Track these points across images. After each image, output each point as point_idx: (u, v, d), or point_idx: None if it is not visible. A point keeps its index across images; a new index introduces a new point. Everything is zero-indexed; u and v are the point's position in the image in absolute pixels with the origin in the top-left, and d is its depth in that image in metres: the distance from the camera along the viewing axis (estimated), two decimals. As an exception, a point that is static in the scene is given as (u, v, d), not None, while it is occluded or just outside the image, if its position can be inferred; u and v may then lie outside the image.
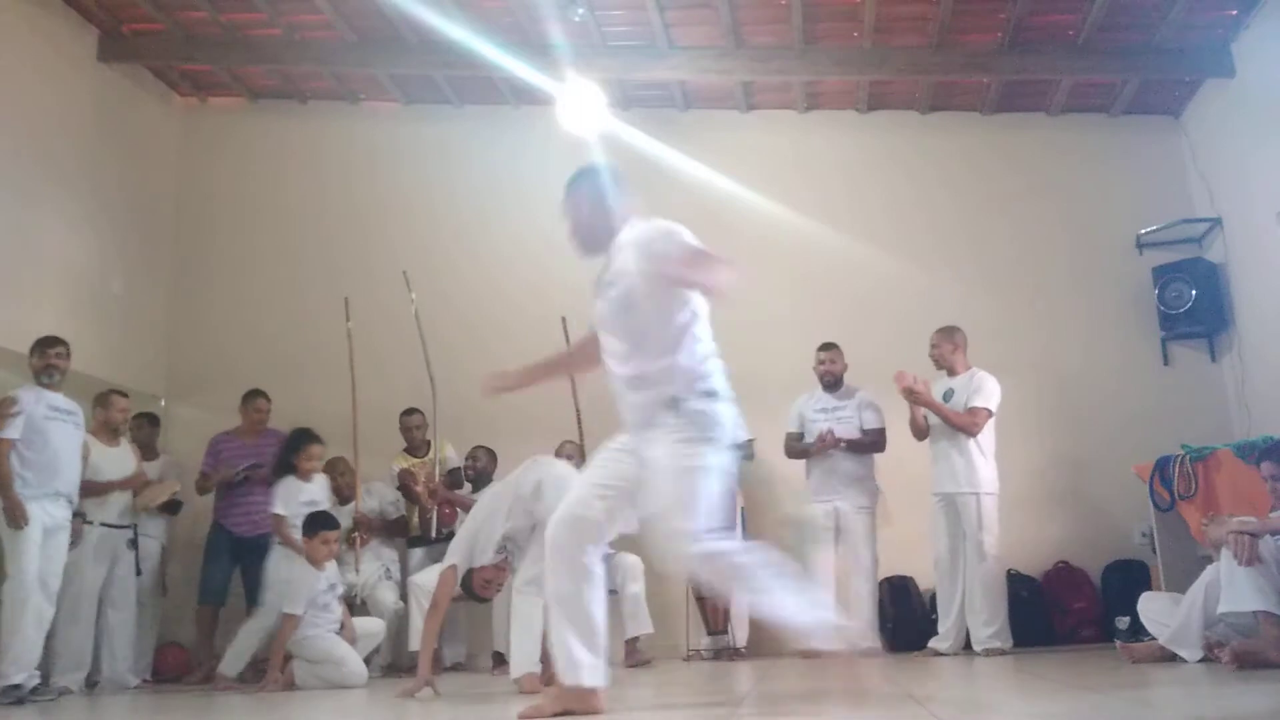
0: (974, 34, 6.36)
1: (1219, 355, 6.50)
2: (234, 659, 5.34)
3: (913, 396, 5.30)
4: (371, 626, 5.38)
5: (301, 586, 4.91)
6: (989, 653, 5.10)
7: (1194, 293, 6.32)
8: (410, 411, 6.36)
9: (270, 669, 4.89)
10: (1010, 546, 6.26)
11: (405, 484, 6.25)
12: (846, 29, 6.37)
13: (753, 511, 6.03)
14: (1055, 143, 7.02)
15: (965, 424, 5.27)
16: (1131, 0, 5.89)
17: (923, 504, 5.48)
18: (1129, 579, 5.90)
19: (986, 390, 5.33)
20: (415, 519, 6.26)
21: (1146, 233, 6.65)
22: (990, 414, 5.31)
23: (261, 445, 6.10)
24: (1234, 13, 5.98)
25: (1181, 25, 6.03)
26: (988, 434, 5.32)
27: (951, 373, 5.48)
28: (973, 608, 5.24)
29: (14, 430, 4.70)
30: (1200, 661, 3.81)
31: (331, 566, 5.13)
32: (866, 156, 7.14)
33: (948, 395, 5.41)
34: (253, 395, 6.27)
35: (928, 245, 6.88)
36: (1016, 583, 6.14)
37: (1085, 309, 6.74)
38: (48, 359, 4.96)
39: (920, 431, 5.44)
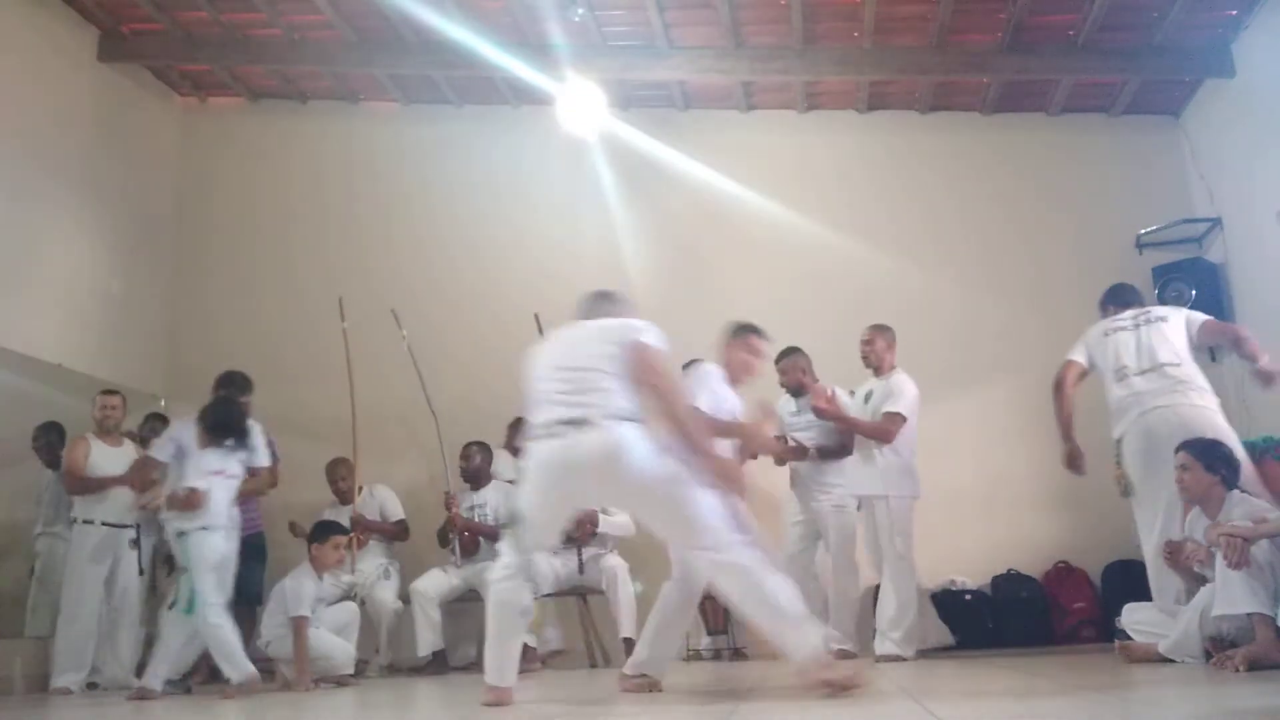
0: (974, 34, 6.36)
1: (1219, 355, 6.49)
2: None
3: (822, 415, 5.15)
4: (343, 615, 5.21)
5: (303, 590, 4.87)
6: (881, 659, 4.86)
7: (1194, 293, 6.30)
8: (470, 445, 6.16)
9: (299, 672, 4.77)
10: (1011, 546, 6.27)
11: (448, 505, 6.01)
12: (846, 29, 6.38)
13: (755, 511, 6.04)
14: (1055, 143, 7.02)
15: (879, 434, 5.04)
16: (1131, 0, 5.89)
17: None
18: (1129, 579, 5.86)
19: (897, 395, 5.08)
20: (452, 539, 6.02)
21: (1146, 233, 6.65)
22: (904, 419, 5.06)
23: None
24: (1234, 13, 5.98)
25: (1181, 25, 6.03)
26: (904, 437, 5.09)
27: (878, 372, 5.27)
28: (882, 610, 5.02)
29: None
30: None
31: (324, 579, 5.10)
32: (866, 156, 7.14)
33: (868, 396, 5.25)
34: None
35: (927, 245, 6.88)
36: (1016, 583, 6.13)
37: (1085, 309, 6.69)
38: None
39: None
